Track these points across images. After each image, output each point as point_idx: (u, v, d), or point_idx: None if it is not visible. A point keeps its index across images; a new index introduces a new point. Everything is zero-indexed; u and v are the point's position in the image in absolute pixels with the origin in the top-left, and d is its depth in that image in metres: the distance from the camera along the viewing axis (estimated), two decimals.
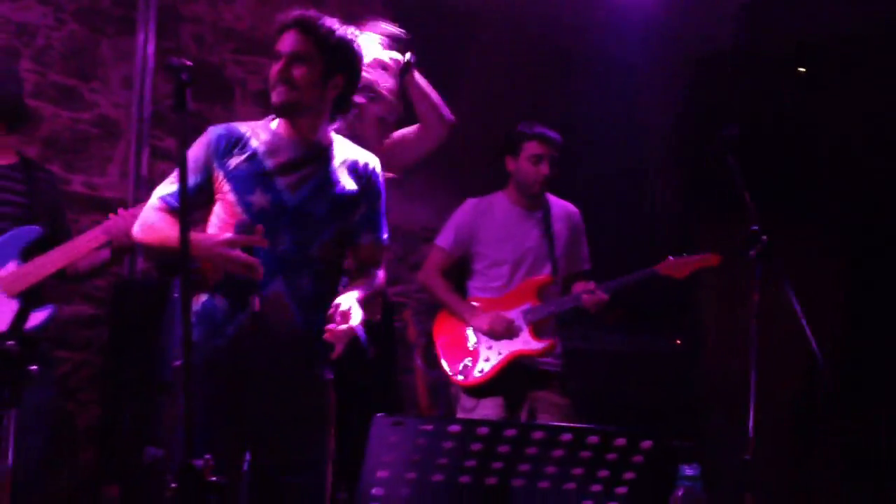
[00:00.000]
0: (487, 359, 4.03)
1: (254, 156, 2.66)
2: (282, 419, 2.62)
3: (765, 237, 2.92)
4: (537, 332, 4.06)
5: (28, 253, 3.31)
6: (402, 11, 5.15)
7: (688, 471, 2.31)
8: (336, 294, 2.65)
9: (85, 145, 4.44)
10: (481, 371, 4.02)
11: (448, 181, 5.17)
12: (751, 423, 2.78)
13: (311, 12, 2.68)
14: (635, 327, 5.17)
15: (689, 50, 5.73)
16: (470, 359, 4.05)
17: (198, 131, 2.73)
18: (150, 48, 4.53)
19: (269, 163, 2.66)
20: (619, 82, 5.70)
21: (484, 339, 4.05)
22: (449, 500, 2.20)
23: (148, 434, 3.84)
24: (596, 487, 2.25)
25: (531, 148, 4.10)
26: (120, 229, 3.27)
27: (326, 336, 2.51)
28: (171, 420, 2.57)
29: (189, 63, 2.18)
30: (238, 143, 2.68)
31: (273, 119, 2.75)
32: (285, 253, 2.62)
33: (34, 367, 2.78)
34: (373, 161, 2.82)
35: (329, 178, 2.71)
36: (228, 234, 2.53)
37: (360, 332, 2.57)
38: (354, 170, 2.76)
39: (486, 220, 4.16)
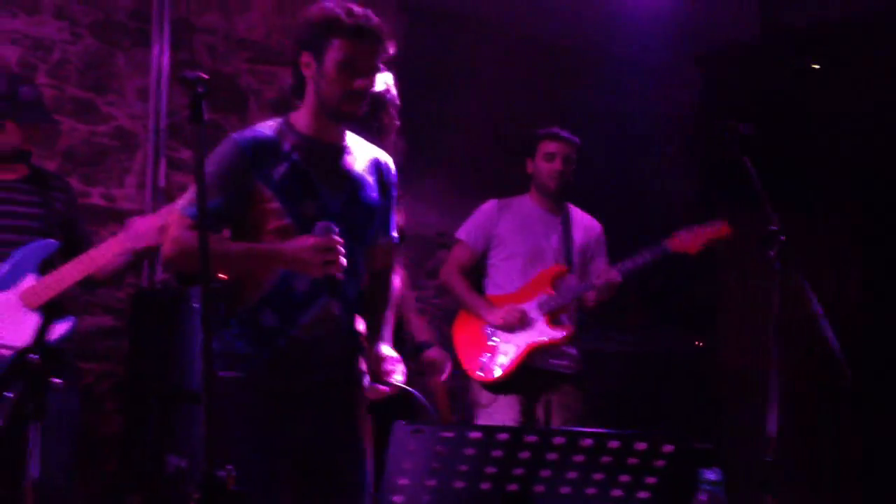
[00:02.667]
0: (506, 353, 4.04)
1: (294, 161, 2.53)
2: (326, 441, 2.56)
3: (783, 237, 2.90)
4: (554, 322, 4.06)
5: (46, 266, 3.32)
6: (415, 18, 5.18)
7: (710, 475, 2.30)
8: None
9: (103, 158, 4.47)
10: (500, 365, 4.03)
11: (462, 186, 5.17)
12: (773, 424, 2.76)
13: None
14: (654, 328, 5.15)
15: (702, 46, 5.72)
16: (488, 355, 4.06)
17: (214, 142, 2.62)
18: (165, 60, 4.56)
19: (310, 168, 2.53)
20: (634, 82, 5.69)
21: (501, 333, 4.06)
22: None
23: (170, 443, 3.86)
24: (617, 492, 2.25)
25: (545, 147, 4.18)
26: (140, 236, 3.26)
27: (369, 395, 2.57)
28: (201, 431, 2.56)
29: (205, 76, 2.18)
30: (272, 149, 2.52)
31: (282, 119, 2.59)
32: None
33: (59, 380, 2.80)
34: (385, 156, 2.72)
35: (360, 182, 2.60)
36: (314, 238, 2.43)
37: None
38: (377, 169, 2.67)
39: (508, 216, 4.22)
